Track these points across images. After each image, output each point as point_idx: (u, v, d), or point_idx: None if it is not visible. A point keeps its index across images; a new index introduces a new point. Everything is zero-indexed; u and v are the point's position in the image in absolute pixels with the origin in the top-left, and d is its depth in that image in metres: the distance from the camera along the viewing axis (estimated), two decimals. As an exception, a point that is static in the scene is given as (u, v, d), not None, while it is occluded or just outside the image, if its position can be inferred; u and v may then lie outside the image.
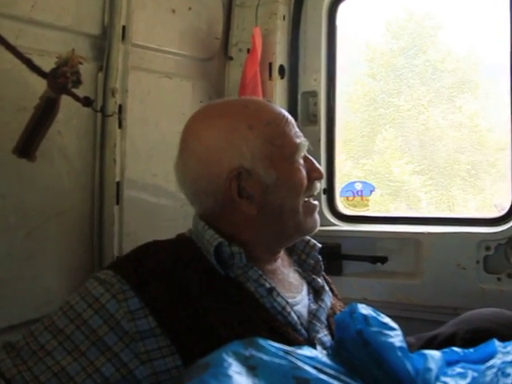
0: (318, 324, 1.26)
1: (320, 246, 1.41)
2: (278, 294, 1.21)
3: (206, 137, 1.25)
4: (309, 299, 1.31)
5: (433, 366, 1.00)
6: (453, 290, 2.01)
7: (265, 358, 0.92)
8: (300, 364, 0.93)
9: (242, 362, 0.90)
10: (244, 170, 1.21)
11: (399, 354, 0.97)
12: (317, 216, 1.32)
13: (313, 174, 1.29)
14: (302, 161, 1.27)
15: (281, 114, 1.30)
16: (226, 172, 1.21)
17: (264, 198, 1.23)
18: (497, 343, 1.13)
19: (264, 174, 1.22)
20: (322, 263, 1.40)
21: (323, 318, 1.28)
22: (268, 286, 1.21)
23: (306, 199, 1.29)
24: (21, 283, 1.53)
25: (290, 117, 1.31)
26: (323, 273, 1.46)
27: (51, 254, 1.63)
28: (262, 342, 0.96)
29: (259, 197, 1.23)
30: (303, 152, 1.28)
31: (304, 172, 1.27)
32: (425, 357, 1.02)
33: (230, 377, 0.85)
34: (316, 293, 1.34)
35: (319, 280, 1.37)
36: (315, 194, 1.32)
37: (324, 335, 1.26)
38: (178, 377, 1.04)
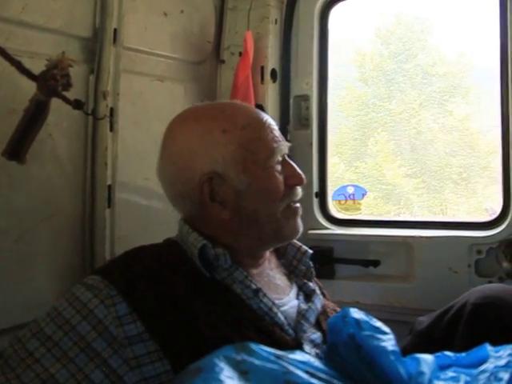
0: (306, 324, 1.26)
1: (311, 252, 1.40)
2: (265, 295, 1.22)
3: (181, 140, 1.26)
4: (298, 300, 1.31)
5: (426, 369, 1.00)
6: (444, 293, 2.00)
7: (256, 362, 0.92)
8: (292, 368, 0.93)
9: (233, 366, 0.90)
10: (216, 174, 1.22)
11: (392, 357, 0.97)
12: (298, 221, 1.30)
13: (291, 180, 1.27)
14: (279, 166, 1.26)
15: (258, 118, 1.28)
16: (198, 176, 1.22)
17: (237, 203, 1.23)
18: (488, 348, 1.13)
19: (236, 179, 1.22)
20: (313, 269, 1.40)
21: (312, 319, 1.29)
22: (254, 287, 1.21)
23: (288, 205, 1.27)
24: (11, 286, 1.52)
25: (269, 121, 1.29)
26: (315, 278, 1.46)
27: (42, 257, 1.62)
28: (254, 346, 0.95)
29: (232, 202, 1.23)
30: (279, 157, 1.26)
31: (280, 178, 1.25)
32: (417, 360, 1.02)
33: (221, 381, 0.85)
34: (307, 296, 1.34)
35: (310, 284, 1.37)
36: (296, 199, 1.29)
37: (312, 333, 1.26)
38: (170, 382, 1.04)
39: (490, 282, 1.96)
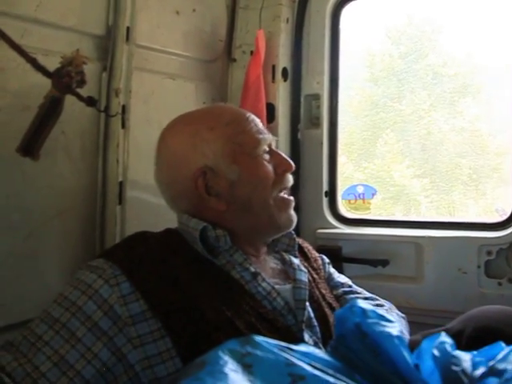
0: (304, 307, 1.29)
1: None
2: (264, 280, 1.25)
3: (173, 143, 1.35)
4: (289, 283, 1.33)
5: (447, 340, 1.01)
6: (453, 294, 2.01)
7: (260, 355, 0.92)
8: (295, 361, 0.93)
9: (237, 359, 0.90)
10: (208, 168, 1.29)
11: (396, 341, 0.97)
12: (292, 212, 1.35)
13: (280, 167, 1.34)
14: (267, 156, 1.33)
15: (241, 114, 1.38)
16: (192, 172, 1.29)
17: (231, 193, 1.29)
18: (503, 346, 1.12)
19: (227, 170, 1.29)
20: (295, 238, 1.44)
21: (305, 296, 1.31)
22: (253, 270, 1.25)
23: (281, 194, 1.34)
24: (22, 282, 1.53)
25: (252, 116, 1.38)
26: (311, 250, 1.53)
27: (53, 253, 1.63)
28: (259, 339, 0.96)
29: (226, 193, 1.29)
30: (265, 147, 1.33)
31: (269, 166, 1.32)
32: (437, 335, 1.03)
33: (225, 374, 0.86)
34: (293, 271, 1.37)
35: (293, 260, 1.40)
36: (288, 186, 1.36)
37: (312, 319, 1.29)
38: (175, 376, 1.05)
39: (500, 284, 1.96)
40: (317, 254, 1.57)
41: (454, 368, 0.98)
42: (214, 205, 1.29)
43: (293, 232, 1.43)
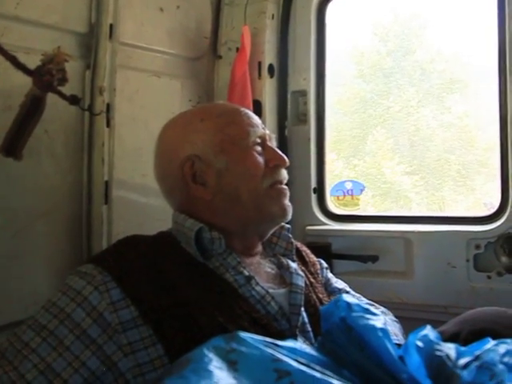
0: (298, 312, 1.26)
1: (289, 226, 1.42)
2: (257, 284, 1.23)
3: (166, 136, 1.38)
4: (285, 287, 1.31)
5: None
6: (443, 288, 2.01)
7: (245, 351, 0.91)
8: (281, 356, 0.92)
9: (222, 356, 0.89)
10: (196, 157, 1.29)
11: (380, 334, 0.97)
12: (285, 201, 1.33)
13: (272, 162, 1.33)
14: (258, 148, 1.32)
15: (234, 108, 1.40)
16: (180, 161, 1.30)
17: (218, 182, 1.29)
18: (490, 340, 1.12)
19: (215, 159, 1.28)
20: (292, 242, 1.42)
21: (299, 301, 1.28)
22: (246, 273, 1.24)
23: (272, 185, 1.31)
24: (8, 283, 1.52)
25: (246, 111, 1.38)
26: (310, 255, 1.51)
27: (39, 253, 1.61)
28: (244, 335, 0.95)
29: (213, 182, 1.29)
30: (255, 139, 1.32)
31: (258, 157, 1.31)
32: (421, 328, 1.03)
33: (210, 372, 0.85)
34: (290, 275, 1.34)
35: (291, 264, 1.37)
36: (280, 179, 1.34)
37: (306, 324, 1.27)
38: (160, 375, 1.03)
39: (489, 277, 1.96)
40: (315, 259, 1.55)
41: (438, 353, 0.98)
42: (201, 193, 1.29)
43: (290, 236, 1.42)
